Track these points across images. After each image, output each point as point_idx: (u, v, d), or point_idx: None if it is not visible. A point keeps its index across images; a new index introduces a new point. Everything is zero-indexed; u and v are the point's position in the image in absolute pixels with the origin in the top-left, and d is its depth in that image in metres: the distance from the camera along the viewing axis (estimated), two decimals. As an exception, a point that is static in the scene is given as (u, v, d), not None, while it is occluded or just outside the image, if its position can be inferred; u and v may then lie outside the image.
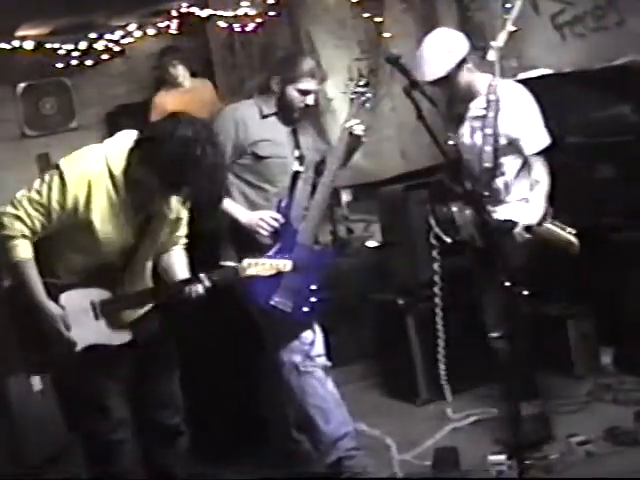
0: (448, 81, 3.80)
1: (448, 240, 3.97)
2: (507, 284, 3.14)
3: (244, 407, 4.21)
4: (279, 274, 3.32)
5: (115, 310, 3.14)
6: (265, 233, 3.77)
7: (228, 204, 3.79)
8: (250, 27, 7.05)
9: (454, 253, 4.10)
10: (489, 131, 3.80)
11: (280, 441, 4.15)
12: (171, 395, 3.41)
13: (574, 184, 4.47)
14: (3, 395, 4.30)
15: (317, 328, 3.89)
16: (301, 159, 3.90)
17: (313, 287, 3.80)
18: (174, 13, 7.41)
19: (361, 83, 3.88)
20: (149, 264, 3.32)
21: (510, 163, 3.86)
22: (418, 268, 4.63)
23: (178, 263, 3.31)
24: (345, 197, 6.38)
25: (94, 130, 7.37)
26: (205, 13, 7.28)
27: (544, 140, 3.83)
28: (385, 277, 5.07)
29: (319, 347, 3.86)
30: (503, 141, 3.81)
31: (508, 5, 4.46)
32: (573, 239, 3.21)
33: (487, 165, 3.82)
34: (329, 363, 3.90)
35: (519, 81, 4.10)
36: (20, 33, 7.05)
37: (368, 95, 3.87)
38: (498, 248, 3.42)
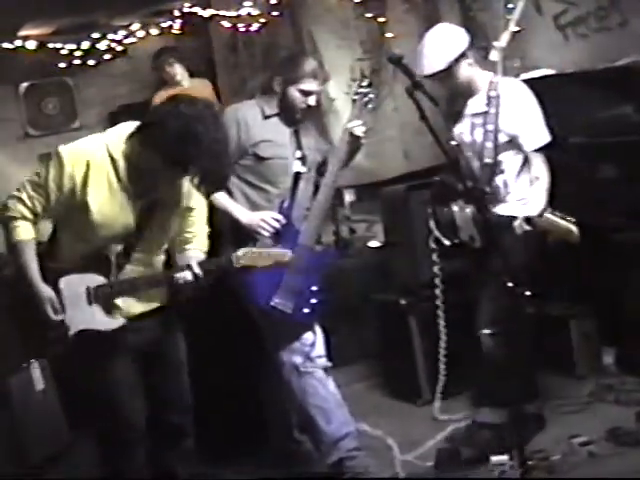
0: (448, 76, 3.81)
1: (447, 243, 3.98)
2: (509, 284, 3.15)
3: (245, 407, 4.20)
4: (279, 270, 3.31)
5: (108, 296, 3.13)
6: (266, 234, 3.77)
7: (229, 204, 3.79)
8: (253, 27, 7.05)
9: (454, 255, 4.09)
10: (490, 127, 3.80)
11: (281, 441, 4.15)
12: (180, 395, 3.40)
13: (576, 184, 4.47)
14: (5, 394, 4.30)
15: (318, 329, 3.88)
16: (303, 160, 3.89)
17: (314, 288, 3.79)
18: (177, 13, 7.42)
19: (363, 84, 3.87)
20: (159, 257, 3.32)
21: (510, 161, 3.86)
22: (420, 268, 4.62)
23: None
24: (348, 197, 6.38)
25: (96, 130, 7.20)
26: (207, 13, 7.28)
27: (544, 137, 3.83)
28: (387, 277, 5.07)
29: (319, 348, 3.86)
30: (504, 137, 3.82)
31: (510, 5, 4.44)
32: (573, 227, 3.20)
33: (488, 161, 3.82)
34: (329, 364, 3.89)
35: (522, 81, 4.09)
36: (22, 33, 7.05)
37: (370, 96, 3.86)
38: (498, 245, 3.44)
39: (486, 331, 3.87)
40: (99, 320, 3.13)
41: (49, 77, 7.52)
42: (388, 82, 5.78)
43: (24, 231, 3.08)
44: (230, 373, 4.18)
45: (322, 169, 3.92)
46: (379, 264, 5.31)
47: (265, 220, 3.77)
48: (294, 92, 3.78)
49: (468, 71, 3.86)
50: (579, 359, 4.57)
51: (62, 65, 7.39)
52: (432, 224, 4.01)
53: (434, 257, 4.18)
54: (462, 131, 3.97)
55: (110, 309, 3.14)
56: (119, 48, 7.55)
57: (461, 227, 3.88)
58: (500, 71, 3.90)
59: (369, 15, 5.97)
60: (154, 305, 3.31)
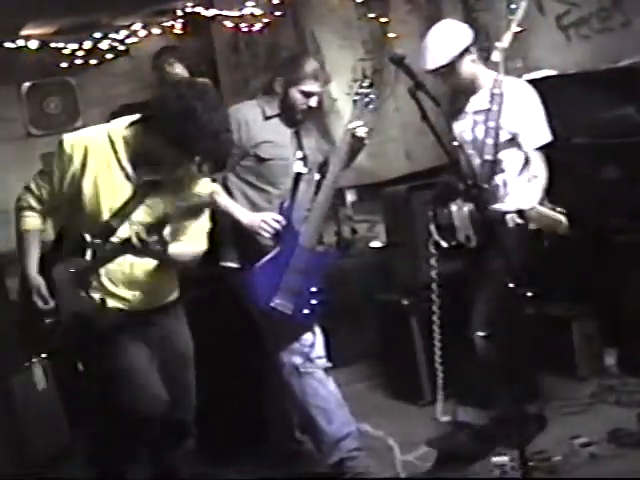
0: (451, 71, 3.81)
1: (445, 245, 3.97)
2: (510, 285, 3.15)
3: (246, 407, 4.20)
4: (279, 270, 3.27)
5: (85, 275, 3.11)
6: (266, 235, 3.77)
7: (230, 205, 3.79)
8: (255, 27, 7.06)
9: (453, 258, 4.08)
10: (492, 124, 3.81)
11: (282, 441, 4.15)
12: (184, 391, 3.40)
13: (579, 185, 4.47)
14: (7, 394, 4.30)
15: (317, 330, 3.88)
16: (304, 160, 3.89)
17: (314, 289, 3.79)
18: (179, 13, 7.42)
19: (365, 84, 3.87)
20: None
21: (511, 161, 3.86)
22: (422, 269, 4.61)
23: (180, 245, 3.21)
24: (349, 197, 6.38)
25: (98, 129, 7.36)
26: (210, 13, 7.28)
27: (545, 137, 3.83)
28: (389, 277, 5.07)
29: (319, 349, 3.86)
30: (505, 135, 3.82)
31: (513, 6, 4.43)
32: (562, 218, 3.20)
33: (488, 158, 3.82)
34: (329, 364, 3.89)
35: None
36: (25, 32, 7.06)
37: (372, 96, 3.85)
38: (494, 243, 3.45)
39: (480, 333, 3.86)
40: (82, 302, 3.11)
41: (51, 77, 7.52)
42: (390, 82, 5.78)
43: (29, 221, 3.18)
44: (231, 373, 4.17)
45: (323, 170, 3.92)
46: (381, 264, 5.31)
47: (265, 221, 3.76)
48: (295, 93, 3.78)
49: (471, 67, 3.86)
50: (581, 360, 4.57)
51: (64, 65, 7.40)
52: (432, 227, 4.00)
53: (432, 262, 4.15)
54: (463, 128, 3.97)
55: (88, 288, 3.11)
56: (121, 48, 7.56)
57: (458, 227, 3.88)
58: (502, 72, 3.90)
59: (371, 15, 5.96)
60: (163, 300, 3.30)
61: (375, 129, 4.84)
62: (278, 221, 3.77)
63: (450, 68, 3.81)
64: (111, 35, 7.43)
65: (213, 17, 7.31)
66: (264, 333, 3.84)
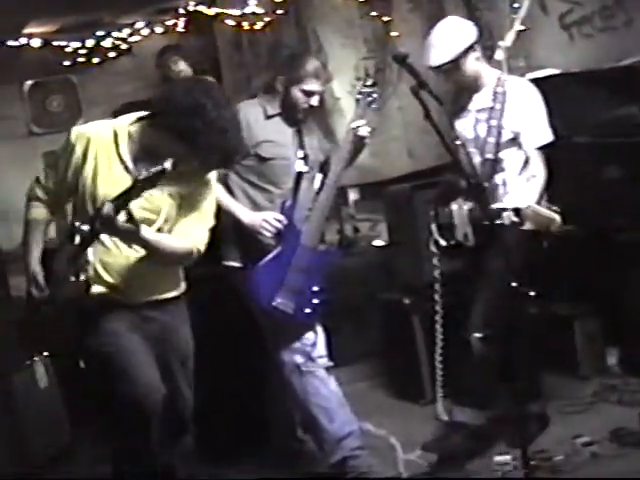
0: (455, 68, 3.81)
1: (443, 243, 3.97)
2: (514, 284, 3.15)
3: (247, 406, 4.20)
4: (281, 270, 3.25)
5: (74, 258, 3.06)
6: (268, 234, 3.77)
7: (231, 204, 3.78)
8: (257, 26, 7.05)
9: (454, 257, 4.07)
10: (494, 122, 3.81)
11: (283, 440, 4.15)
12: (183, 389, 3.38)
13: (581, 184, 4.46)
14: (7, 392, 4.30)
15: (319, 329, 3.88)
16: (305, 159, 3.88)
17: (316, 288, 3.78)
18: (181, 11, 7.42)
19: (367, 83, 3.86)
20: None
21: (512, 160, 3.85)
22: (425, 268, 4.61)
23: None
24: (352, 196, 6.38)
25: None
26: (212, 11, 7.28)
27: (546, 136, 3.83)
28: (391, 276, 5.07)
29: (321, 348, 3.86)
30: (507, 135, 3.82)
31: (516, 5, 4.45)
32: (556, 216, 3.21)
33: (489, 156, 3.82)
34: (331, 363, 3.89)
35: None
36: (27, 31, 7.06)
37: (374, 95, 3.85)
38: (493, 242, 3.46)
39: (477, 335, 3.85)
40: (72, 287, 3.08)
41: (54, 75, 7.52)
42: (393, 81, 5.77)
43: (35, 211, 3.24)
44: (232, 372, 4.17)
45: (325, 169, 3.92)
46: (383, 263, 5.31)
47: (267, 220, 3.76)
48: (296, 92, 3.78)
49: (475, 65, 3.85)
50: (582, 359, 4.56)
51: (67, 63, 7.40)
52: (434, 227, 3.99)
53: (434, 261, 4.14)
54: (465, 126, 3.97)
55: (77, 272, 3.06)
56: (124, 46, 7.56)
57: (457, 225, 3.88)
58: (505, 70, 3.90)
59: (374, 14, 5.96)
60: (160, 295, 3.28)
61: (378, 128, 4.83)
62: (279, 220, 3.77)
63: (454, 65, 3.80)
64: (114, 33, 7.43)
65: (215, 15, 7.31)
66: (266, 332, 3.84)
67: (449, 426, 4.05)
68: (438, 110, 3.35)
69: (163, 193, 3.12)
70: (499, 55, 3.94)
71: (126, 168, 3.09)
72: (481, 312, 3.84)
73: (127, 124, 3.14)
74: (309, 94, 3.78)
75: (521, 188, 3.80)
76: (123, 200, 2.84)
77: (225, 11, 7.19)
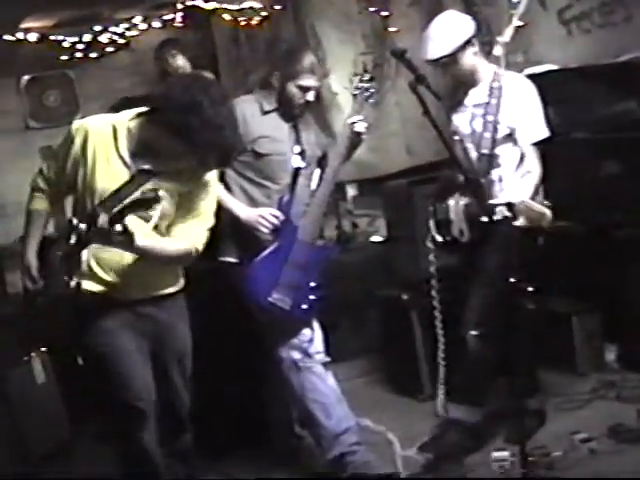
0: (452, 62, 3.80)
1: (439, 239, 3.96)
2: (512, 280, 3.15)
3: (245, 403, 4.19)
4: (278, 265, 3.22)
5: (68, 257, 3.04)
6: (264, 230, 3.76)
7: (228, 200, 3.77)
8: (255, 21, 7.04)
9: (451, 253, 4.07)
10: (490, 118, 3.80)
11: (282, 437, 4.15)
12: (179, 387, 3.38)
13: (579, 180, 4.46)
14: (5, 388, 4.29)
15: (316, 325, 3.87)
16: (302, 155, 3.87)
17: (313, 284, 3.78)
18: (179, 6, 7.40)
19: (365, 78, 3.85)
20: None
21: (507, 156, 3.84)
22: (423, 263, 4.59)
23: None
24: (350, 192, 6.36)
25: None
26: (210, 6, 7.26)
27: (542, 132, 3.82)
28: (390, 272, 5.06)
29: (318, 344, 3.85)
30: (503, 130, 3.81)
31: (515, 0, 4.44)
32: (546, 210, 3.21)
33: (484, 151, 3.81)
34: (328, 359, 3.88)
35: (526, 76, 4.08)
36: (24, 25, 7.04)
37: (371, 90, 3.83)
38: (488, 238, 3.48)
39: (473, 332, 3.85)
40: (63, 286, 3.05)
41: (51, 69, 7.50)
42: (391, 76, 5.76)
43: (37, 202, 3.26)
44: (229, 369, 4.17)
45: (322, 164, 3.91)
46: (381, 259, 5.30)
47: (263, 216, 3.75)
48: (292, 88, 3.76)
49: (472, 60, 3.85)
50: (581, 355, 4.56)
51: (64, 58, 7.38)
52: (432, 223, 3.99)
53: (431, 257, 4.14)
54: (462, 122, 3.96)
55: (70, 272, 3.03)
56: (121, 41, 7.53)
57: (454, 221, 3.87)
58: (503, 66, 3.89)
59: (372, 9, 5.95)
60: (156, 292, 3.27)
61: (376, 123, 4.83)
62: (276, 216, 3.76)
63: (452, 59, 3.79)
64: (111, 28, 7.40)
65: (213, 10, 7.29)
66: (263, 328, 3.83)
67: (445, 424, 4.04)
68: (436, 105, 3.34)
69: (160, 190, 3.11)
70: (497, 50, 3.93)
71: (124, 163, 3.09)
72: (477, 309, 3.83)
73: (126, 119, 3.14)
74: (305, 89, 3.77)
75: (517, 184, 3.80)
76: (119, 210, 2.84)
77: (222, 6, 7.17)
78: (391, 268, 5.04)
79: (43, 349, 4.49)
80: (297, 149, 3.87)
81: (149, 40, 7.32)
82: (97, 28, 7.35)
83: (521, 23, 4.51)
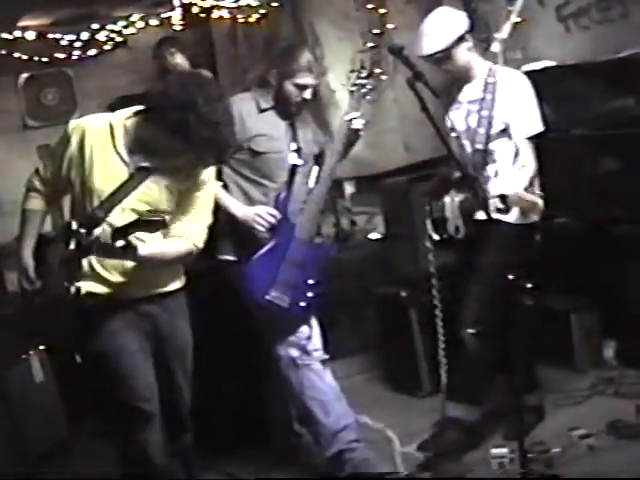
0: (446, 58, 3.79)
1: (436, 237, 3.96)
2: (510, 277, 3.15)
3: (244, 401, 4.19)
4: (275, 263, 3.20)
5: (68, 262, 3.03)
6: (261, 228, 3.76)
7: (225, 198, 3.77)
8: (253, 18, 7.03)
9: (449, 250, 4.06)
10: (485, 113, 3.80)
11: (281, 435, 4.15)
12: (180, 386, 3.37)
13: (577, 177, 4.46)
14: (3, 387, 4.29)
15: (314, 322, 3.87)
16: (298, 152, 3.86)
17: (310, 281, 3.77)
18: (176, 3, 7.39)
19: (362, 75, 3.85)
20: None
21: (503, 151, 3.84)
22: (421, 260, 4.59)
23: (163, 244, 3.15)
24: (348, 189, 6.37)
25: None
26: (208, 4, 7.25)
27: (536, 126, 3.82)
28: (388, 269, 5.06)
29: (316, 342, 3.85)
30: (498, 125, 3.81)
31: (512, -4, 4.44)
32: (538, 200, 3.23)
33: (478, 147, 3.81)
34: (326, 356, 3.88)
35: (523, 73, 4.07)
36: (22, 23, 7.03)
37: (369, 87, 3.83)
38: (483, 234, 3.47)
39: (470, 331, 3.85)
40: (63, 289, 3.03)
41: (48, 68, 7.50)
42: (389, 73, 5.76)
43: (32, 202, 3.25)
44: (228, 367, 4.16)
45: (320, 161, 3.90)
46: (380, 256, 5.30)
47: (260, 215, 3.75)
48: (289, 86, 3.76)
49: (466, 55, 3.84)
50: (579, 352, 4.57)
51: (61, 56, 7.37)
52: (428, 222, 3.98)
53: (430, 257, 4.13)
54: (458, 118, 3.95)
55: (70, 277, 3.01)
56: (119, 39, 7.53)
57: (449, 218, 3.87)
58: (501, 62, 3.89)
59: (370, 6, 5.95)
60: (156, 290, 3.26)
61: (373, 120, 4.82)
62: (273, 215, 3.75)
63: (445, 54, 3.79)
64: (109, 26, 7.40)
65: (211, 8, 7.28)
66: (261, 326, 3.83)
67: (443, 422, 4.04)
68: (434, 102, 3.34)
69: (160, 186, 3.12)
70: (495, 47, 3.93)
71: (123, 161, 3.08)
72: (473, 308, 3.83)
73: (123, 118, 3.14)
74: (302, 87, 3.76)
75: (511, 178, 3.80)
76: (122, 226, 2.86)
77: (220, 3, 7.16)
78: (389, 265, 5.04)
79: (41, 347, 4.48)
80: (293, 146, 3.86)
81: (147, 38, 7.33)
82: (95, 26, 7.34)
83: (519, 20, 4.52)
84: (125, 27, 7.44)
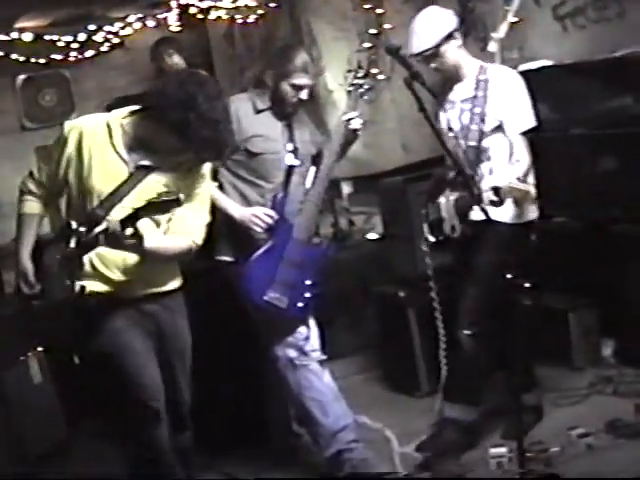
0: (436, 56, 3.79)
1: (432, 239, 3.95)
2: (508, 276, 3.15)
3: (242, 402, 4.19)
4: (273, 264, 3.21)
5: (71, 261, 3.04)
6: (258, 229, 3.75)
7: (222, 199, 3.77)
8: (250, 18, 7.03)
9: (444, 251, 4.05)
10: (477, 110, 3.80)
11: (280, 435, 4.14)
12: (181, 385, 3.37)
13: (576, 176, 4.46)
14: (1, 388, 4.28)
15: (312, 323, 3.87)
16: (295, 153, 3.86)
17: (308, 282, 3.77)
18: (173, 4, 7.39)
19: (359, 74, 3.85)
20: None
21: (497, 148, 3.84)
22: (419, 260, 4.59)
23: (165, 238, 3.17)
24: (346, 189, 6.37)
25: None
26: (205, 4, 7.25)
27: (529, 122, 3.81)
28: (386, 269, 5.06)
29: (314, 342, 3.85)
30: (492, 123, 3.80)
31: (509, -4, 4.45)
32: (530, 188, 3.27)
33: (472, 144, 3.81)
34: (324, 357, 3.88)
35: (520, 72, 4.08)
36: (19, 25, 7.03)
37: (366, 86, 3.84)
38: (479, 235, 3.48)
39: (466, 332, 3.84)
40: (65, 289, 3.04)
41: (46, 69, 7.49)
42: (386, 73, 5.76)
43: (28, 205, 3.23)
44: (226, 368, 4.16)
45: (317, 161, 3.90)
46: (378, 256, 5.30)
47: (257, 215, 3.75)
48: (285, 87, 3.76)
49: (456, 53, 3.84)
50: (578, 351, 4.57)
51: (59, 57, 7.37)
52: (425, 226, 3.98)
53: (427, 260, 4.12)
54: (452, 117, 3.95)
55: (72, 276, 3.03)
56: (116, 40, 7.53)
57: (445, 218, 3.87)
58: (498, 62, 3.89)
59: (367, 6, 5.95)
60: (156, 288, 3.26)
61: (371, 120, 4.82)
62: (270, 215, 3.75)
63: (434, 52, 3.80)
64: (106, 27, 7.40)
65: (208, 9, 7.28)
66: (259, 326, 3.83)
67: (441, 423, 4.04)
68: (431, 102, 3.34)
69: (160, 183, 3.12)
70: (492, 47, 3.94)
71: (122, 160, 3.08)
72: (470, 309, 3.83)
73: (119, 117, 3.14)
74: (298, 88, 3.76)
75: (505, 172, 3.80)
76: (131, 213, 2.85)
77: (217, 4, 7.16)
78: (387, 265, 5.04)
79: (40, 349, 4.48)
80: (290, 147, 3.85)
81: (144, 39, 7.32)
82: (92, 27, 7.34)
83: (516, 19, 4.52)
84: (122, 28, 7.44)
